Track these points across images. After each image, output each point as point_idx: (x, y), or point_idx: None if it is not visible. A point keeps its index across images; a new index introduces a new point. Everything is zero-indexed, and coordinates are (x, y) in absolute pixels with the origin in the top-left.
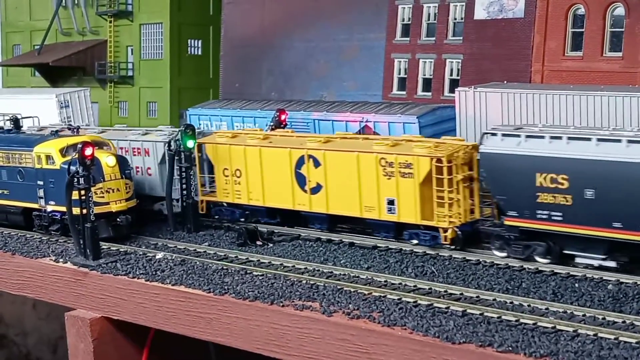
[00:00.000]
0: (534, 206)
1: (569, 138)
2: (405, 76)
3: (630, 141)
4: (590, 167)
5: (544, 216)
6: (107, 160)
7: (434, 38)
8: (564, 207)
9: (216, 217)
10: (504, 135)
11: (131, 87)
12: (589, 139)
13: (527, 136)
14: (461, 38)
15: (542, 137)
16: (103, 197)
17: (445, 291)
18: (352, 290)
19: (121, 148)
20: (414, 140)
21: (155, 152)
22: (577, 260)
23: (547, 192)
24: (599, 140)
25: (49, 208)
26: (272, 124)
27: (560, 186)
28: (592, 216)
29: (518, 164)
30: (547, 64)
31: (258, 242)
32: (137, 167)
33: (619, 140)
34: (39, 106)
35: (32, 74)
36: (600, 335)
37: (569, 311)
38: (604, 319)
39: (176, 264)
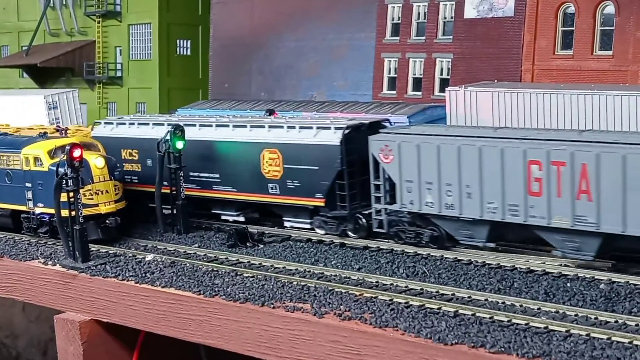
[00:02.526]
0: (123, 173)
1: (139, 124)
2: (395, 76)
3: (169, 124)
4: (148, 144)
5: (129, 180)
6: (95, 162)
7: (423, 37)
8: (138, 172)
9: None
10: (105, 123)
11: (120, 87)
12: (147, 124)
13: (118, 123)
14: (451, 37)
15: (124, 123)
16: (92, 198)
17: (437, 292)
18: (344, 291)
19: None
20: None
21: None
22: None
23: (129, 163)
24: (154, 125)
25: (38, 210)
26: None
27: (134, 158)
28: (150, 178)
29: (112, 143)
30: (537, 62)
31: (248, 244)
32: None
33: (163, 124)
34: (27, 107)
35: (20, 75)
36: (592, 335)
37: (561, 311)
38: (596, 318)
39: (166, 265)
